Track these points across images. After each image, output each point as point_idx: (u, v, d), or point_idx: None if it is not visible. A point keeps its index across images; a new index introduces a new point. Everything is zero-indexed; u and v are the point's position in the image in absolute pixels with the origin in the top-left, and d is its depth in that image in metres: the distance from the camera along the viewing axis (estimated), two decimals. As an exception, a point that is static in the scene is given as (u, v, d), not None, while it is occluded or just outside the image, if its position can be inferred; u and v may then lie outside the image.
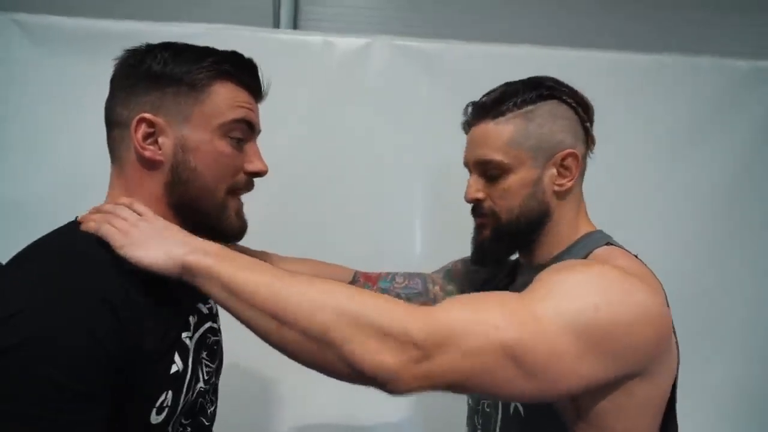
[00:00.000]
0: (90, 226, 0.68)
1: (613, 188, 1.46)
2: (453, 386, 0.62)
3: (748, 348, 1.52)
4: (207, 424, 0.84)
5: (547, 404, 0.74)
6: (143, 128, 0.71)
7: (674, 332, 0.74)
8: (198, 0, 2.01)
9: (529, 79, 0.85)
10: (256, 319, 0.62)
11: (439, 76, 1.47)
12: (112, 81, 0.75)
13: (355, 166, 1.47)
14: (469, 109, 0.87)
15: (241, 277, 0.62)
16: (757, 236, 1.53)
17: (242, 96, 0.76)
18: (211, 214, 0.74)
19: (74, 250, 0.66)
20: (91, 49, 1.34)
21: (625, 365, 0.67)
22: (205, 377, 0.80)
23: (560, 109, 0.83)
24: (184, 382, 0.72)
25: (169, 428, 0.71)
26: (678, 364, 0.75)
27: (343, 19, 2.14)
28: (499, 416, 0.84)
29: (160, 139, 0.72)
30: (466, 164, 0.88)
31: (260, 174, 0.78)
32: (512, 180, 0.82)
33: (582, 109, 0.84)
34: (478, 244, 0.88)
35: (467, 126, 0.88)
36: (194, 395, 0.76)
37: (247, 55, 0.78)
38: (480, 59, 1.47)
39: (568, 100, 0.83)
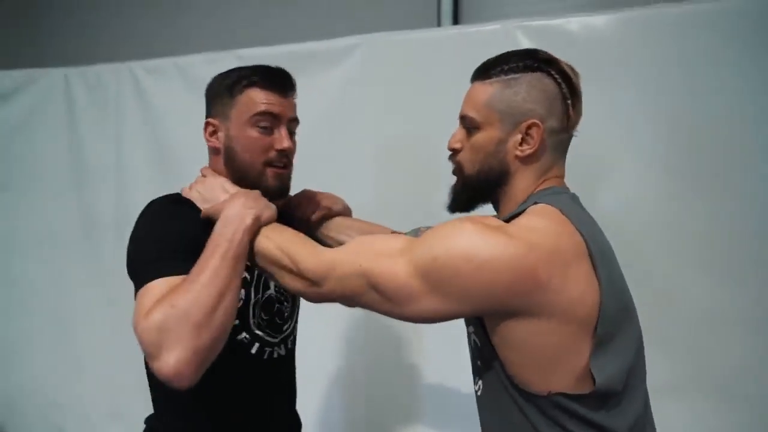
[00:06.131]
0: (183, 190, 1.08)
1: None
2: (344, 302, 0.88)
3: None
4: (279, 322, 1.12)
5: (487, 335, 0.83)
6: (209, 128, 1.06)
7: (598, 277, 0.77)
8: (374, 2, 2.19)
9: (526, 50, 0.90)
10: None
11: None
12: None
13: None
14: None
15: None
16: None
17: (265, 96, 1.01)
18: (252, 180, 1.03)
19: (173, 197, 1.06)
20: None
21: (471, 304, 0.79)
22: (276, 286, 1.11)
23: (542, 83, 0.86)
24: (251, 285, 1.06)
25: (250, 312, 1.04)
26: (599, 310, 0.77)
27: (503, 4, 2.10)
28: (468, 342, 0.94)
29: (219, 134, 1.05)
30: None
31: (284, 151, 1.03)
32: (480, 136, 0.89)
33: (567, 86, 0.86)
34: (451, 192, 0.96)
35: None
36: (264, 297, 1.08)
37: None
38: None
39: (555, 75, 0.85)
